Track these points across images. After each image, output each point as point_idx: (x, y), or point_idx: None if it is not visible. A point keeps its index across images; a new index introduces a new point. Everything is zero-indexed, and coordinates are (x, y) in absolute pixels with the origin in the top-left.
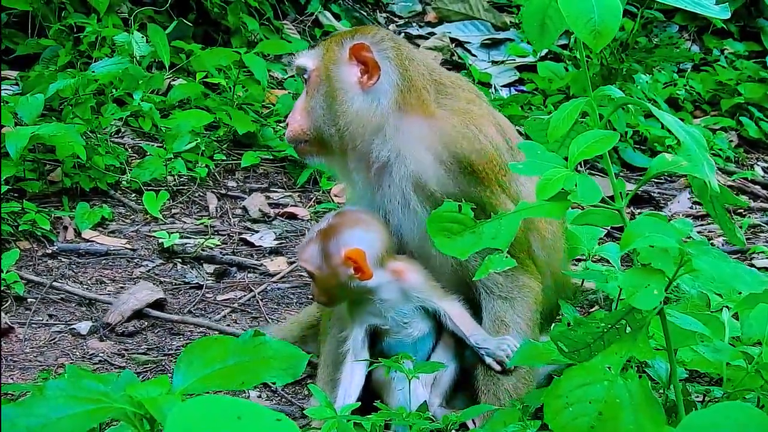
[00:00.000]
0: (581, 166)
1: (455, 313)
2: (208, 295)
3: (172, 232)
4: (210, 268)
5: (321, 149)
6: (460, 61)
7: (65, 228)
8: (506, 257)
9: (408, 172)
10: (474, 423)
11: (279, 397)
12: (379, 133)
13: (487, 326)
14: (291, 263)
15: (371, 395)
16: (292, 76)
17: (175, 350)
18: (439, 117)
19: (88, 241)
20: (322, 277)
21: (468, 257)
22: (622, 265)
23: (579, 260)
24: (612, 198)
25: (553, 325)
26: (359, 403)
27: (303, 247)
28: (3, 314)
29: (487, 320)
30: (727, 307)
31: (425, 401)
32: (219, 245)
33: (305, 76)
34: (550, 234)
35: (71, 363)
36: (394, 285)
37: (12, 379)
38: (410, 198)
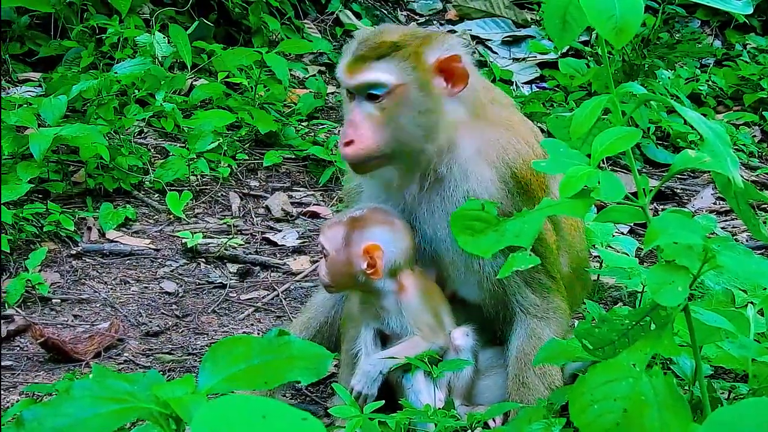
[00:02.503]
0: (603, 163)
1: (410, 344)
2: (231, 295)
3: (195, 232)
4: (233, 267)
5: (387, 162)
6: (481, 58)
7: (89, 228)
8: (530, 255)
9: (468, 188)
10: (495, 422)
11: (303, 396)
12: (450, 144)
13: (521, 340)
14: (314, 262)
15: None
16: (314, 75)
17: (200, 349)
18: (496, 131)
19: (112, 241)
20: (336, 260)
21: (508, 274)
22: (640, 262)
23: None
24: (635, 194)
25: (577, 322)
26: (383, 401)
27: (329, 225)
28: (23, 312)
29: (522, 336)
30: (752, 303)
31: (451, 399)
32: (242, 245)
33: (377, 92)
34: (579, 244)
35: (97, 363)
36: (394, 296)
37: (38, 379)
38: None
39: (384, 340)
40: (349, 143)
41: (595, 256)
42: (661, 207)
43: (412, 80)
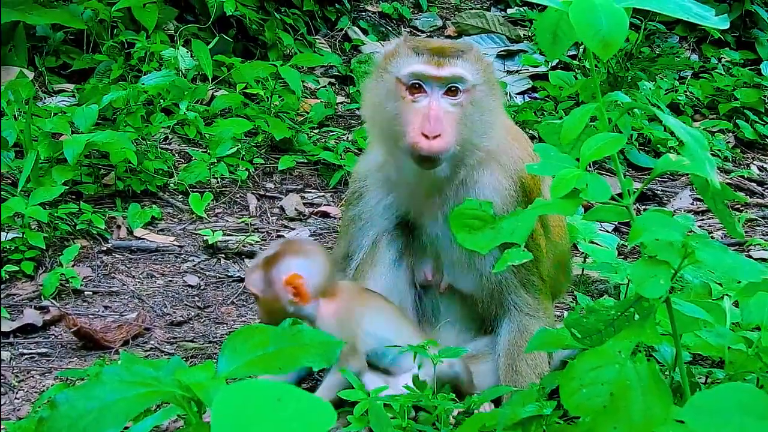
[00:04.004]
0: (590, 167)
1: (328, 384)
2: None
3: (215, 230)
4: (250, 262)
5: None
6: None
7: (118, 227)
8: (523, 251)
9: (484, 196)
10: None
11: (314, 381)
12: (491, 149)
13: (514, 334)
14: None
15: None
16: (324, 87)
17: (220, 338)
18: (509, 138)
19: (139, 238)
20: (265, 300)
21: (504, 268)
22: (621, 257)
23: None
24: (620, 195)
25: (566, 313)
26: (387, 386)
27: (250, 271)
28: (57, 304)
29: (514, 330)
30: (727, 295)
31: (448, 384)
32: (259, 242)
33: (459, 86)
34: (562, 241)
35: (125, 350)
36: (315, 323)
37: (71, 365)
38: None
39: None
40: (437, 136)
41: (580, 251)
42: (643, 207)
43: (482, 81)
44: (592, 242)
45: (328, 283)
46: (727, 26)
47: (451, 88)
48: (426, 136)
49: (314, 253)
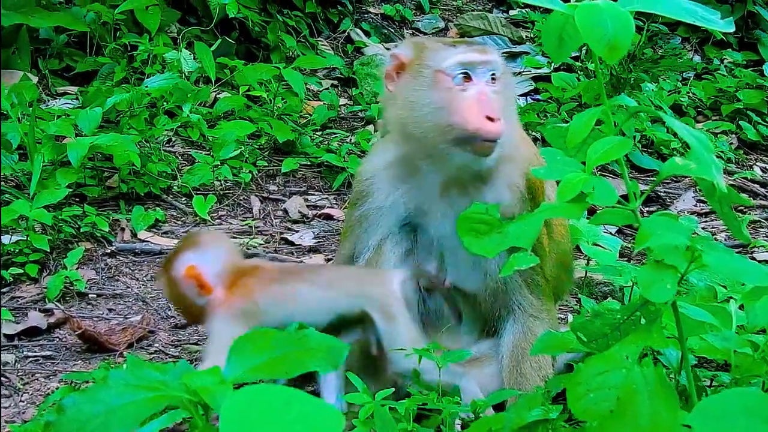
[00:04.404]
0: (594, 169)
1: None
2: None
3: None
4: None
5: None
6: None
7: (122, 229)
8: (530, 255)
9: (496, 196)
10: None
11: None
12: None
13: (518, 336)
14: (328, 260)
15: None
16: (327, 89)
17: None
18: (518, 137)
19: (143, 241)
20: (177, 301)
21: (511, 273)
22: (624, 258)
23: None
24: (624, 197)
25: (571, 316)
26: (393, 389)
27: (157, 278)
28: (62, 306)
29: (518, 332)
30: (732, 298)
31: (457, 386)
32: (262, 244)
33: (497, 73)
34: (565, 242)
35: (129, 353)
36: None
37: (76, 368)
38: None
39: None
40: (498, 119)
41: (581, 252)
42: (647, 209)
43: (505, 71)
44: (596, 244)
45: (231, 270)
46: (732, 29)
47: (492, 75)
48: (491, 119)
49: (210, 241)
